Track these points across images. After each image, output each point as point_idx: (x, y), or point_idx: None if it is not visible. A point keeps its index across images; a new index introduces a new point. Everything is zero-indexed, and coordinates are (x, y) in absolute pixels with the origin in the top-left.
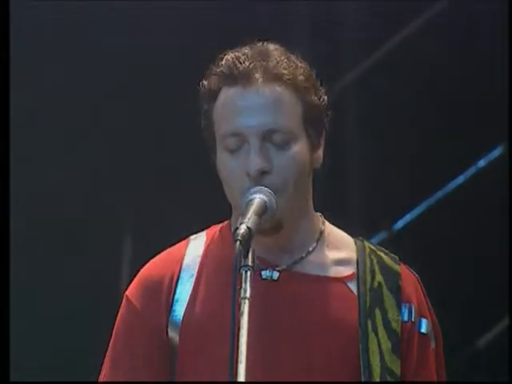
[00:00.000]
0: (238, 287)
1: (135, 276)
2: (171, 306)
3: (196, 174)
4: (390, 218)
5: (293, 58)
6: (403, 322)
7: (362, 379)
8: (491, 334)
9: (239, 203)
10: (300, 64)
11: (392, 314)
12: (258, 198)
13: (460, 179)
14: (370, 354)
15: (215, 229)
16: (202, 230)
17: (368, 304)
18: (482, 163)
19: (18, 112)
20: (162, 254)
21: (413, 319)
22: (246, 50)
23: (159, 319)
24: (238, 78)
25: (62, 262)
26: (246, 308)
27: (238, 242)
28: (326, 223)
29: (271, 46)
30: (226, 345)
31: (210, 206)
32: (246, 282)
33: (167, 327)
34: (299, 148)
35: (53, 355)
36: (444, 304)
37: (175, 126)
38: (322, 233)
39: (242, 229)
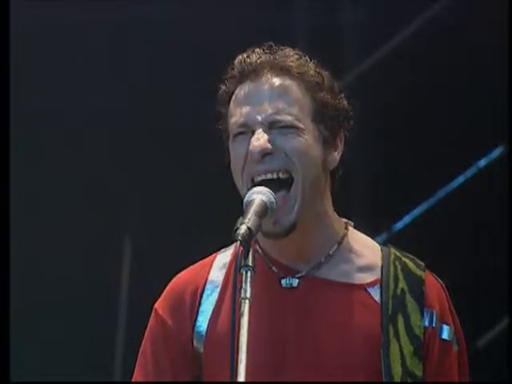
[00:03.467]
0: (239, 287)
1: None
2: (196, 317)
3: (197, 175)
4: (390, 218)
5: (306, 57)
6: (425, 327)
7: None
8: (491, 334)
9: (245, 189)
10: (312, 62)
11: (414, 320)
12: (258, 198)
13: (460, 179)
14: (391, 360)
15: None
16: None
17: (390, 311)
18: (482, 163)
19: (19, 111)
20: (191, 266)
21: (434, 325)
22: (258, 48)
23: (184, 331)
24: (247, 73)
25: (63, 262)
26: (246, 308)
27: (238, 243)
28: (351, 229)
29: (284, 47)
30: (248, 353)
31: (210, 207)
32: (246, 283)
33: (192, 338)
34: (306, 137)
35: (53, 355)
36: None
37: (176, 126)
38: (343, 237)
39: (243, 229)
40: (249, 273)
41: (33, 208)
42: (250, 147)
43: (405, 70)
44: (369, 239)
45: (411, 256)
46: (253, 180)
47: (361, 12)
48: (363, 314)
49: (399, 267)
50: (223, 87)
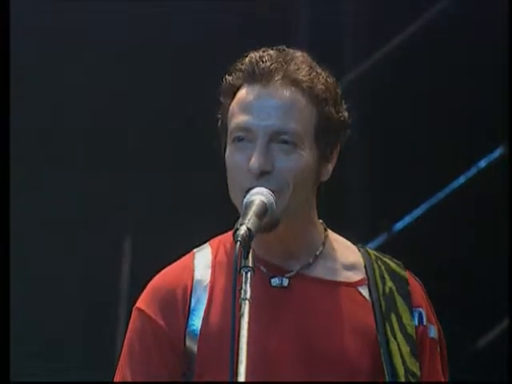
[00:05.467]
0: (239, 288)
1: (143, 287)
2: (188, 317)
3: (197, 175)
4: (390, 219)
5: (317, 67)
6: (415, 327)
7: (387, 380)
8: (491, 334)
9: (239, 200)
10: (322, 74)
11: (406, 319)
12: (258, 199)
13: (460, 180)
14: (393, 357)
15: (218, 239)
16: (204, 242)
17: (383, 309)
18: (482, 164)
19: (19, 110)
20: (170, 266)
21: (424, 323)
22: (272, 51)
23: (176, 330)
24: (258, 76)
25: (62, 262)
26: (246, 309)
27: (238, 243)
28: (329, 230)
29: (297, 53)
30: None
31: (210, 207)
32: (246, 283)
33: (185, 338)
34: (305, 155)
35: (53, 355)
36: (444, 304)
37: (176, 126)
38: (326, 238)
39: (242, 230)
40: (249, 274)
41: (32, 208)
42: (251, 163)
43: (404, 69)
44: (344, 239)
45: (387, 255)
46: (245, 189)
47: (361, 12)
48: (358, 311)
49: (383, 267)
50: (229, 78)
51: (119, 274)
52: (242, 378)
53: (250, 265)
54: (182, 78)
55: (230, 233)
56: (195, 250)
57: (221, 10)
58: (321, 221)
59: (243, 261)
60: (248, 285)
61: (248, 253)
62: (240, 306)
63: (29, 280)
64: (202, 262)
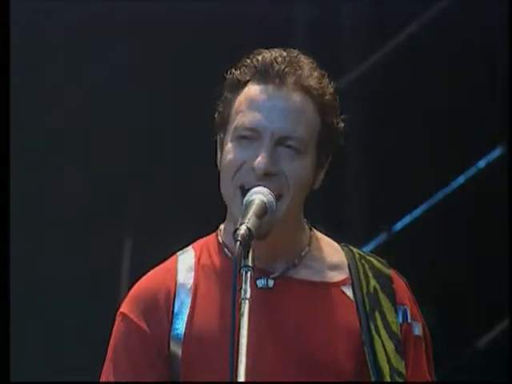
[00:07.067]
0: (238, 287)
1: (129, 291)
2: (171, 320)
3: (197, 175)
4: (390, 219)
5: (325, 76)
6: (400, 324)
7: (373, 379)
8: (491, 334)
9: (231, 196)
10: (330, 83)
11: (390, 317)
12: (258, 198)
13: (460, 180)
14: (378, 355)
15: (201, 242)
16: (188, 244)
17: (367, 308)
18: (481, 164)
19: (19, 111)
20: (153, 270)
21: (408, 320)
22: (284, 53)
23: (161, 334)
24: (271, 77)
25: (62, 262)
26: (246, 308)
27: (238, 243)
28: (313, 229)
29: (306, 58)
30: (229, 354)
31: (210, 207)
32: (245, 283)
33: (169, 342)
34: (307, 162)
35: (53, 355)
36: (444, 304)
37: (176, 126)
38: (311, 238)
39: (242, 229)
40: (249, 273)
41: (33, 208)
42: (256, 163)
43: (404, 70)
44: (328, 238)
45: (372, 254)
46: (242, 187)
47: (361, 12)
48: (342, 311)
49: (366, 266)
50: (235, 73)
51: (119, 274)
52: (242, 378)
53: (250, 264)
54: (183, 78)
55: (213, 235)
56: (178, 253)
57: (221, 10)
58: (305, 220)
59: (243, 260)
60: (248, 284)
61: (248, 252)
62: (240, 306)
63: (29, 280)
64: (185, 265)
